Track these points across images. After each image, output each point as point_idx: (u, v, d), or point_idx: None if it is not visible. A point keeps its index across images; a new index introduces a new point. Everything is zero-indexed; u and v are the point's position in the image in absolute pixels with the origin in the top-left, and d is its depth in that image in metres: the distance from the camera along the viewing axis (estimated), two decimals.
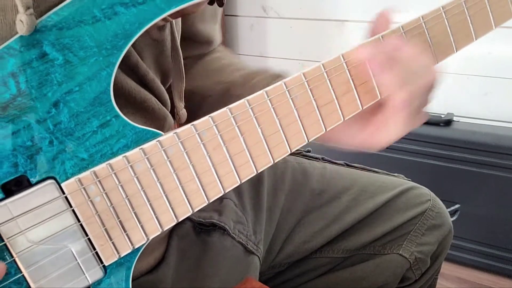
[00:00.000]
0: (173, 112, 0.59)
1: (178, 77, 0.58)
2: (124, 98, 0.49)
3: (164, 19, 0.40)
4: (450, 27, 0.49)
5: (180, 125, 0.42)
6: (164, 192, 0.39)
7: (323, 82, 0.44)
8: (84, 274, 0.38)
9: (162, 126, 0.55)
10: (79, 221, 0.37)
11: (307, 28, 1.74)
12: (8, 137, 0.35)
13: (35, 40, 0.36)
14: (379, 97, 0.47)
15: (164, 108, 0.55)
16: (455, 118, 1.46)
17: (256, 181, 0.71)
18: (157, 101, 0.54)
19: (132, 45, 0.49)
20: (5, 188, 0.36)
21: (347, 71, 0.45)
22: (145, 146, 0.38)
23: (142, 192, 0.38)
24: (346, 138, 0.52)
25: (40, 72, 0.36)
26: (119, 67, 0.39)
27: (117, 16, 0.37)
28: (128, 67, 0.50)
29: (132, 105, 0.50)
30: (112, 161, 0.38)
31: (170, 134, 0.39)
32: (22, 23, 0.34)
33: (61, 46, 0.36)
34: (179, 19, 0.61)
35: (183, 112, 0.59)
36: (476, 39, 0.51)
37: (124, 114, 0.39)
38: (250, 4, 1.85)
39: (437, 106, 1.54)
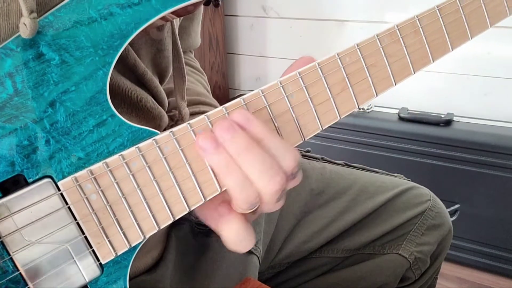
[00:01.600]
0: (171, 111, 0.60)
1: (179, 77, 0.58)
2: (120, 98, 0.49)
3: (163, 19, 0.40)
4: (445, 26, 0.49)
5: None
6: (161, 190, 0.39)
7: (318, 79, 0.44)
8: (81, 273, 0.38)
9: (158, 125, 0.55)
10: (75, 219, 0.37)
11: (307, 28, 1.74)
12: (5, 137, 0.36)
13: (32, 41, 0.36)
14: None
15: (160, 107, 0.55)
16: (455, 118, 1.46)
17: None
18: (153, 100, 0.54)
19: (130, 44, 0.50)
20: (2, 187, 0.36)
21: (342, 69, 0.45)
22: (141, 144, 0.39)
23: (138, 190, 0.38)
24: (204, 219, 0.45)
25: (37, 72, 0.36)
26: (117, 66, 0.39)
27: (112, 17, 0.38)
28: (126, 66, 0.50)
29: (128, 104, 0.50)
30: (108, 159, 0.38)
31: (166, 132, 0.39)
32: (26, 26, 0.35)
33: (57, 46, 0.37)
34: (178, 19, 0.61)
35: (186, 111, 0.59)
36: (471, 38, 0.51)
37: (120, 113, 0.39)
38: (250, 4, 1.85)
39: (437, 106, 1.54)
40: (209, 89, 0.75)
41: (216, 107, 0.66)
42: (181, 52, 0.57)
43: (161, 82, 0.58)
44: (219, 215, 0.41)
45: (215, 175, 0.40)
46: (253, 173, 0.38)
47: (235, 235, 0.40)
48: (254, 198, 0.39)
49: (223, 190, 0.41)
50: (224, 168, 0.39)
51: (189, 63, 0.76)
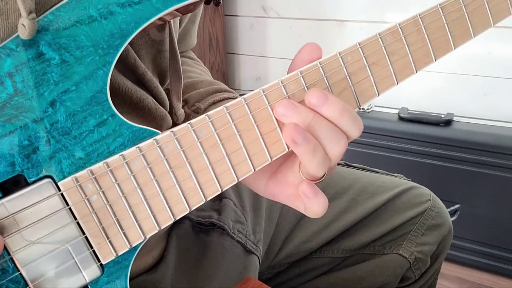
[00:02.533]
0: (171, 112, 0.59)
1: (175, 77, 0.58)
2: (121, 98, 0.49)
3: (162, 19, 0.40)
4: (448, 24, 0.48)
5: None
6: (161, 191, 0.39)
7: (320, 79, 0.44)
8: (81, 273, 0.38)
9: (159, 126, 0.55)
10: (76, 219, 0.37)
11: (307, 28, 1.74)
12: (5, 137, 0.36)
13: (32, 40, 0.36)
14: None
15: (161, 108, 0.55)
16: (455, 118, 1.46)
17: None
18: (154, 100, 0.54)
19: (130, 45, 0.49)
20: (3, 187, 0.36)
21: (345, 69, 0.45)
22: (141, 144, 0.38)
23: (139, 191, 0.38)
24: (256, 187, 0.49)
25: (37, 71, 0.36)
26: (117, 66, 0.39)
27: (113, 16, 0.37)
28: (126, 66, 0.50)
29: (128, 105, 0.50)
30: (108, 159, 0.38)
31: (167, 132, 0.39)
32: (24, 27, 0.34)
33: (57, 45, 0.36)
34: (177, 19, 0.61)
35: (181, 112, 0.59)
36: (474, 36, 0.50)
37: (120, 114, 0.39)
38: (250, 4, 1.85)
39: (437, 106, 1.54)
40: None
41: (230, 91, 0.66)
42: (178, 53, 0.57)
43: (162, 83, 0.58)
44: (303, 195, 0.43)
45: (216, 176, 0.40)
46: (332, 134, 0.42)
47: (323, 209, 0.44)
48: (324, 157, 0.42)
49: (224, 190, 0.41)
50: (312, 128, 0.41)
51: (189, 57, 0.76)
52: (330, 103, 0.41)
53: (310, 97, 0.41)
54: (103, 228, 0.38)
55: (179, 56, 0.58)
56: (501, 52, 1.44)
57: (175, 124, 0.59)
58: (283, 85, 0.42)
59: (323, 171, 0.43)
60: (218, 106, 0.41)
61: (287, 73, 0.43)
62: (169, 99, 0.59)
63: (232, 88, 0.70)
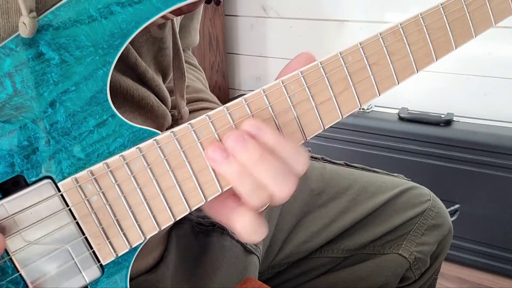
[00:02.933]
0: (174, 110, 0.59)
1: (179, 75, 0.58)
2: (122, 97, 0.49)
3: (164, 17, 0.40)
4: (449, 24, 0.48)
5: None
6: (161, 191, 0.39)
7: (321, 79, 0.43)
8: (81, 274, 0.38)
9: (162, 124, 0.55)
10: (75, 220, 0.37)
11: (307, 28, 1.74)
12: (4, 137, 0.35)
13: (32, 40, 0.36)
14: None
15: (163, 106, 0.55)
16: (455, 118, 1.46)
17: None
18: (156, 98, 0.54)
19: (131, 43, 0.49)
20: (2, 188, 0.36)
21: (345, 68, 0.45)
22: (141, 145, 0.38)
23: (139, 191, 0.38)
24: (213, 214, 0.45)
25: (37, 72, 0.36)
26: (118, 65, 0.39)
27: (113, 16, 0.37)
28: (127, 65, 0.50)
29: (130, 103, 0.50)
30: (108, 160, 0.38)
31: (167, 133, 0.39)
32: (25, 26, 0.34)
33: (57, 45, 0.36)
34: (179, 17, 0.61)
35: (185, 110, 0.59)
36: (475, 36, 0.50)
37: (123, 113, 0.39)
38: (250, 4, 1.85)
39: (437, 106, 1.54)
40: (207, 86, 0.75)
41: (214, 102, 0.66)
42: (181, 51, 0.57)
43: (164, 81, 0.58)
44: (229, 209, 0.41)
45: (216, 177, 0.40)
46: (266, 180, 0.39)
47: (248, 228, 0.41)
48: (267, 200, 0.40)
49: (224, 190, 0.41)
50: (237, 177, 0.39)
51: (187, 61, 0.76)
52: (248, 149, 0.38)
53: (226, 140, 0.39)
54: (103, 228, 0.38)
55: (183, 54, 0.58)
56: (501, 52, 1.44)
57: (178, 121, 0.59)
58: (284, 85, 0.42)
59: (264, 205, 0.41)
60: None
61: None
62: (172, 97, 0.59)
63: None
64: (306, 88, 0.43)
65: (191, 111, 0.63)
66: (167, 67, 0.58)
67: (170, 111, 0.60)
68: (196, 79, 0.73)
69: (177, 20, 0.60)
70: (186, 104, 0.63)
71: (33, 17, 0.34)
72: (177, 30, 0.56)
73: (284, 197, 0.40)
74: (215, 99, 0.70)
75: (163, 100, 0.56)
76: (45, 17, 0.36)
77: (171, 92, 0.62)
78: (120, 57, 0.38)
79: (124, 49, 0.38)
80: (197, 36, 0.74)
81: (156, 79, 0.54)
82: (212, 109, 0.63)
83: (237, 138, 0.38)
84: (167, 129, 0.54)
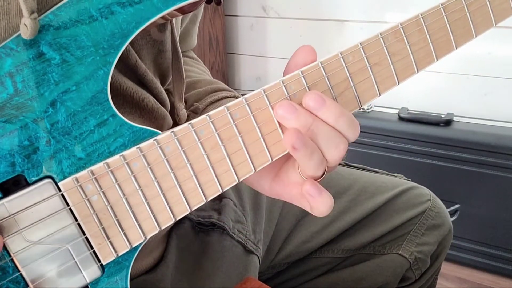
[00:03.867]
0: (172, 112, 0.59)
1: (178, 78, 0.58)
2: (122, 97, 0.49)
3: (163, 18, 0.40)
4: (450, 24, 0.48)
5: None
6: (162, 191, 0.39)
7: (321, 79, 0.43)
8: (82, 273, 0.38)
9: (161, 125, 0.55)
10: (76, 220, 0.37)
11: (307, 28, 1.74)
12: (5, 137, 0.36)
13: (33, 40, 0.36)
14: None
15: (162, 108, 0.55)
16: (455, 118, 1.46)
17: None
18: (155, 100, 0.54)
19: (131, 45, 0.49)
20: (3, 188, 0.36)
21: (346, 70, 0.45)
22: (142, 145, 0.38)
23: (139, 191, 0.38)
24: (261, 187, 0.49)
25: (37, 71, 0.36)
26: (118, 66, 0.39)
27: (113, 16, 0.37)
28: (127, 66, 0.50)
29: (130, 104, 0.50)
30: (109, 160, 0.38)
31: (168, 132, 0.39)
32: (26, 27, 0.34)
33: (58, 45, 0.36)
34: (179, 18, 0.61)
35: (183, 113, 0.59)
36: (476, 36, 0.50)
37: (122, 113, 0.39)
38: (250, 4, 1.85)
39: (437, 106, 1.54)
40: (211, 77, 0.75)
41: (230, 91, 0.66)
42: (180, 53, 0.57)
43: (163, 83, 0.58)
44: (307, 194, 0.43)
45: (217, 176, 0.40)
46: (323, 142, 0.42)
47: (329, 207, 0.43)
48: (323, 164, 0.42)
49: (225, 190, 0.41)
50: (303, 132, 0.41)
51: (189, 56, 0.76)
52: (327, 107, 0.41)
53: (307, 100, 0.41)
54: (103, 228, 0.38)
55: (182, 57, 0.58)
56: (501, 52, 1.44)
57: (176, 124, 0.59)
58: (284, 85, 0.42)
59: (321, 172, 0.43)
60: (217, 106, 0.41)
61: (283, 76, 0.43)
62: (171, 100, 0.59)
63: (232, 88, 0.70)
64: (307, 88, 0.43)
65: (212, 102, 0.63)
66: (167, 70, 0.58)
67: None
68: (203, 72, 0.73)
69: (177, 24, 0.60)
70: (208, 94, 0.64)
71: (34, 18, 0.34)
72: (176, 33, 0.56)
73: (336, 159, 0.43)
74: (227, 87, 0.70)
75: (161, 102, 0.56)
76: (45, 17, 0.36)
77: (170, 95, 0.62)
78: (120, 58, 0.38)
79: (124, 50, 0.38)
80: (195, 37, 0.75)
81: (155, 82, 0.54)
82: (231, 97, 0.63)
83: (314, 98, 0.41)
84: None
